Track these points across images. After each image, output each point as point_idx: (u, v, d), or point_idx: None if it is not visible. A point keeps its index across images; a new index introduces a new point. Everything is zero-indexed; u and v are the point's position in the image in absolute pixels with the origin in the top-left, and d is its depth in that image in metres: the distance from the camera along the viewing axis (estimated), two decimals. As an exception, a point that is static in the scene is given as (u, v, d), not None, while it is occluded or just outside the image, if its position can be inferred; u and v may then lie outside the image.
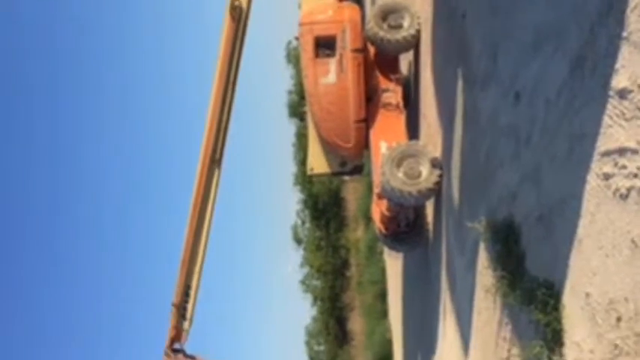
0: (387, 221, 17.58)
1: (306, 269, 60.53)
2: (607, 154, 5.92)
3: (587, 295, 6.74)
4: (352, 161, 18.22)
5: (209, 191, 16.34)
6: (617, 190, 5.81)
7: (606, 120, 5.88)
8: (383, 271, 40.54)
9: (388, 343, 38.82)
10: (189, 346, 16.84)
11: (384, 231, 18.27)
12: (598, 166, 6.10)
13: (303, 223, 61.10)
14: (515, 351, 9.27)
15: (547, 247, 7.77)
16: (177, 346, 16.29)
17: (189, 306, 16.19)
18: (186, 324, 16.21)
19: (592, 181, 6.29)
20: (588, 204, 6.46)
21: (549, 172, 7.51)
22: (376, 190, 16.46)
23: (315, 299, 60.06)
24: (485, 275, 10.75)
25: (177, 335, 16.20)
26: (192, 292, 16.16)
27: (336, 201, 57.22)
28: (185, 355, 16.24)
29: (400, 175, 14.40)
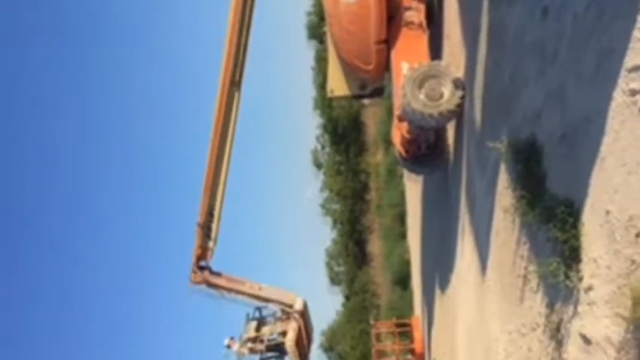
0: (407, 144, 17.55)
1: (326, 193, 61.24)
2: (635, 69, 5.80)
3: (607, 212, 6.79)
4: (372, 83, 17.99)
5: (230, 114, 16.39)
6: (643, 106, 5.73)
7: (635, 34, 5.72)
8: (402, 195, 40.89)
9: (406, 264, 39.70)
10: (214, 265, 17.43)
11: (404, 154, 18.28)
12: (625, 82, 5.99)
13: (323, 147, 61.26)
14: (532, 268, 9.46)
15: (569, 165, 7.76)
16: (203, 263, 16.86)
17: (214, 226, 16.61)
18: (211, 243, 16.68)
19: (618, 97, 6.19)
20: (613, 121, 6.39)
21: (575, 90, 7.39)
22: (397, 112, 16.33)
23: (335, 222, 61.11)
24: (504, 196, 10.82)
25: (203, 254, 16.73)
26: (215, 213, 16.55)
27: (355, 125, 57.01)
28: (211, 272, 16.85)
29: (421, 96, 14.23)
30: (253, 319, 17.12)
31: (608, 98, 6.38)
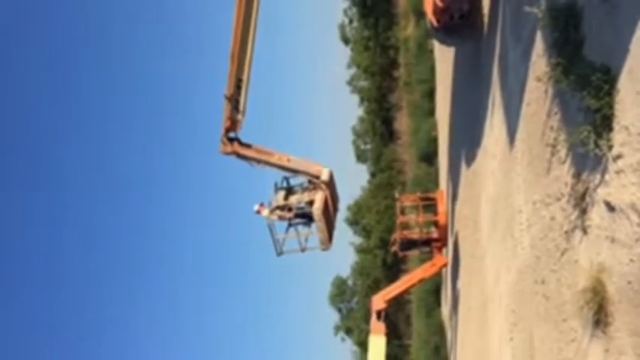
0: (439, 13, 16.85)
1: (353, 70, 60.01)
2: None
3: (645, 78, 6.60)
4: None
5: None
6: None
7: None
8: (432, 70, 39.94)
9: (433, 141, 39.66)
10: (244, 137, 17.58)
11: (435, 24, 17.59)
12: None
13: (351, 21, 59.07)
14: (561, 138, 9.40)
15: (608, 30, 7.43)
16: (232, 135, 16.94)
17: (242, 99, 16.46)
18: (239, 115, 16.62)
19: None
20: (661, -21, 6.02)
21: (623, -54, 6.90)
22: (430, -22, 15.56)
23: (362, 100, 60.39)
24: (539, 64, 10.51)
25: (232, 125, 16.71)
26: (243, 85, 16.34)
27: (385, -5, 54.52)
28: (240, 143, 16.94)
29: (457, -40, 13.45)
30: (281, 188, 17.31)
31: (658, -47, 5.96)
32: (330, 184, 16.86)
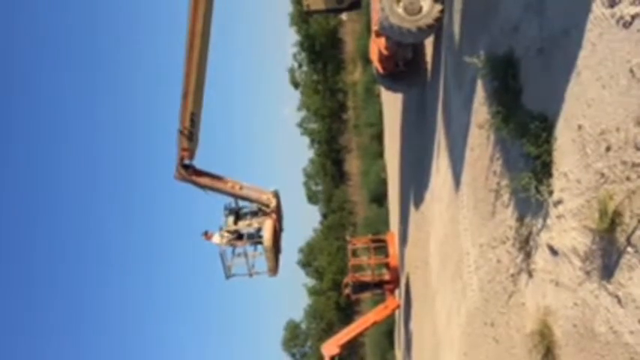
0: (384, 60, 17.29)
1: (303, 112, 60.79)
2: (616, -21, 5.67)
3: (580, 127, 6.84)
4: (349, -4, 17.50)
5: (207, 25, 15.94)
6: (621, 17, 5.64)
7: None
8: (380, 113, 40.78)
9: (383, 182, 40.18)
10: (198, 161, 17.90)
11: (381, 71, 18.05)
12: (605, -8, 5.87)
13: (300, 66, 60.16)
14: (504, 183, 9.62)
15: (545, 80, 7.73)
16: (186, 162, 17.33)
17: (196, 130, 16.92)
18: (193, 144, 17.09)
19: (596, 9, 6.09)
20: (590, 34, 6.31)
21: (554, 1, 7.25)
22: (374, 27, 15.99)
23: (313, 142, 61.06)
24: (480, 112, 10.83)
25: (186, 154, 17.18)
26: (196, 119, 16.84)
27: (333, 42, 55.81)
28: (195, 170, 17.43)
29: (400, 10, 13.87)
30: (231, 210, 17.97)
31: (586, 10, 6.26)
32: (278, 207, 17.52)
